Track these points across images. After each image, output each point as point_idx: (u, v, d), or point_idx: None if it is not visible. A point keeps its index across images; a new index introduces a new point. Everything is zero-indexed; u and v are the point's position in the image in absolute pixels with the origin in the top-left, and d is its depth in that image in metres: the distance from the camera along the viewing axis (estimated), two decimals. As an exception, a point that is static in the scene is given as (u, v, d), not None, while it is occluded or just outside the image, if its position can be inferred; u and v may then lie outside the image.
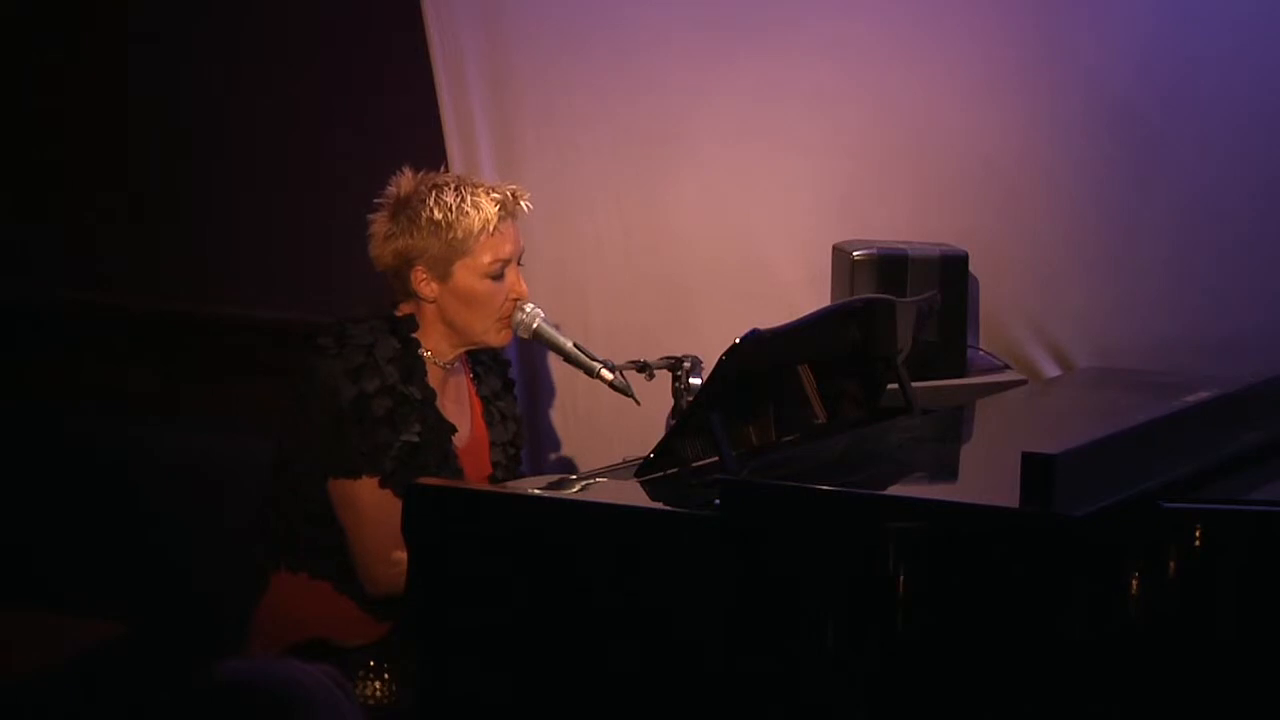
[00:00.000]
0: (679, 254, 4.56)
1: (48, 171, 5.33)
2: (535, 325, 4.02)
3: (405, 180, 3.99)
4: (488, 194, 3.94)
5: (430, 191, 3.93)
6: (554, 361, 4.17)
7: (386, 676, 3.90)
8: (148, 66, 5.18)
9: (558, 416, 4.68)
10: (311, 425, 3.87)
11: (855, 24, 4.40)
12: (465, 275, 3.93)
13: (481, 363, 4.12)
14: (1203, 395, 3.55)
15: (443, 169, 4.16)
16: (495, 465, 4.08)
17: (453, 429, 3.96)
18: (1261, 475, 3.38)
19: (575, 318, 4.51)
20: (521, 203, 3.98)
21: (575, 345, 4.01)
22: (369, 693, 3.89)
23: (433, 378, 3.97)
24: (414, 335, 3.95)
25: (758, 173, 4.49)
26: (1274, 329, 4.24)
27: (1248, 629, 3.07)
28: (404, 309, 3.99)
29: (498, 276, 3.94)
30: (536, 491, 3.56)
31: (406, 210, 3.94)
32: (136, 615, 4.54)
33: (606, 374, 3.96)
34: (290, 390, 3.96)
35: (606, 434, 4.49)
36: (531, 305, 4.04)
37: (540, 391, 4.68)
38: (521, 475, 4.22)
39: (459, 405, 4.04)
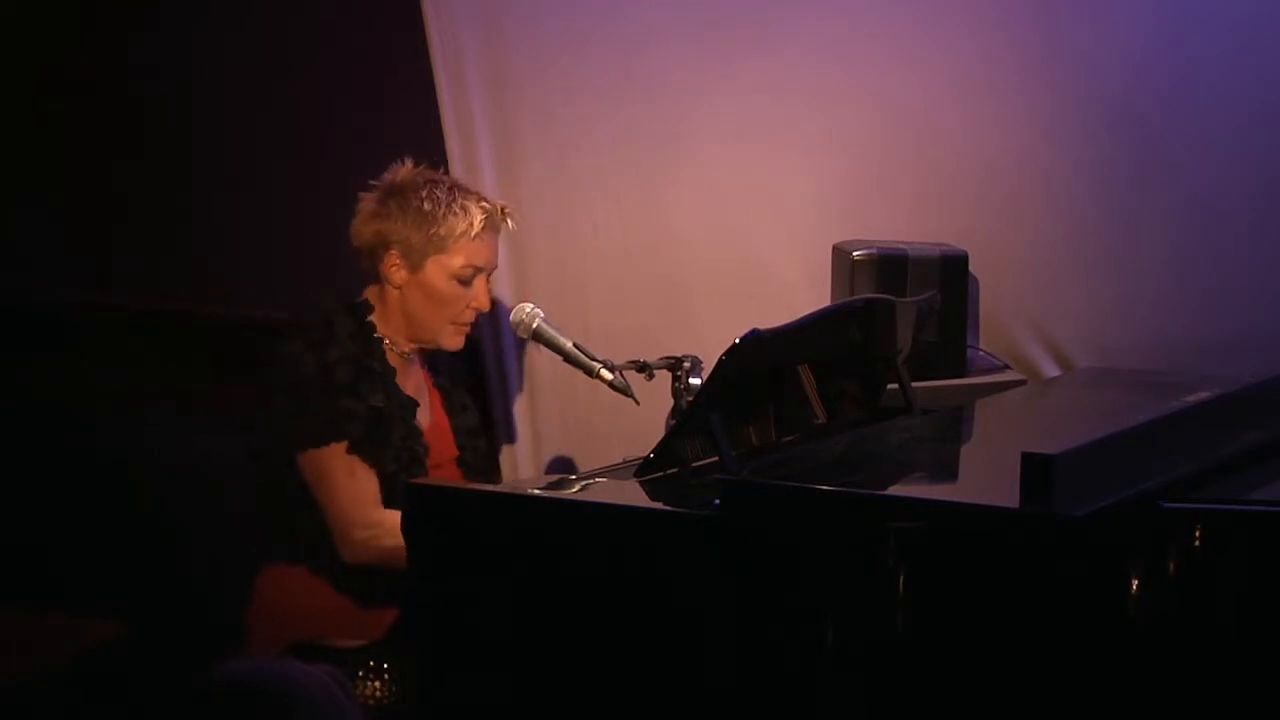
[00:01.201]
0: (678, 254, 4.56)
1: (48, 171, 5.33)
2: (535, 325, 4.04)
3: (403, 170, 4.07)
4: (478, 201, 4.03)
5: (425, 185, 4.02)
6: (554, 361, 4.17)
7: (386, 677, 3.90)
8: (148, 66, 5.18)
9: (558, 416, 4.68)
10: (278, 404, 3.94)
11: (855, 24, 4.40)
12: (436, 271, 4.00)
13: (435, 358, 4.17)
14: (1203, 395, 3.55)
15: (442, 170, 4.19)
16: (461, 449, 4.14)
17: (415, 403, 4.02)
18: (1261, 475, 3.38)
19: (575, 318, 4.51)
20: (508, 220, 4.06)
21: (575, 345, 4.02)
22: (369, 693, 3.89)
23: (390, 359, 4.03)
24: (370, 319, 4.02)
25: (758, 173, 4.49)
26: (1274, 329, 4.24)
27: (1248, 629, 3.07)
28: (366, 295, 4.05)
29: (466, 282, 4.01)
30: (536, 491, 3.56)
31: (397, 196, 4.01)
32: (136, 615, 4.53)
33: (606, 374, 3.97)
34: (257, 380, 4.02)
35: (606, 434, 4.49)
36: (531, 305, 4.07)
37: (540, 391, 4.68)
38: (495, 466, 4.24)
39: (418, 394, 4.09)
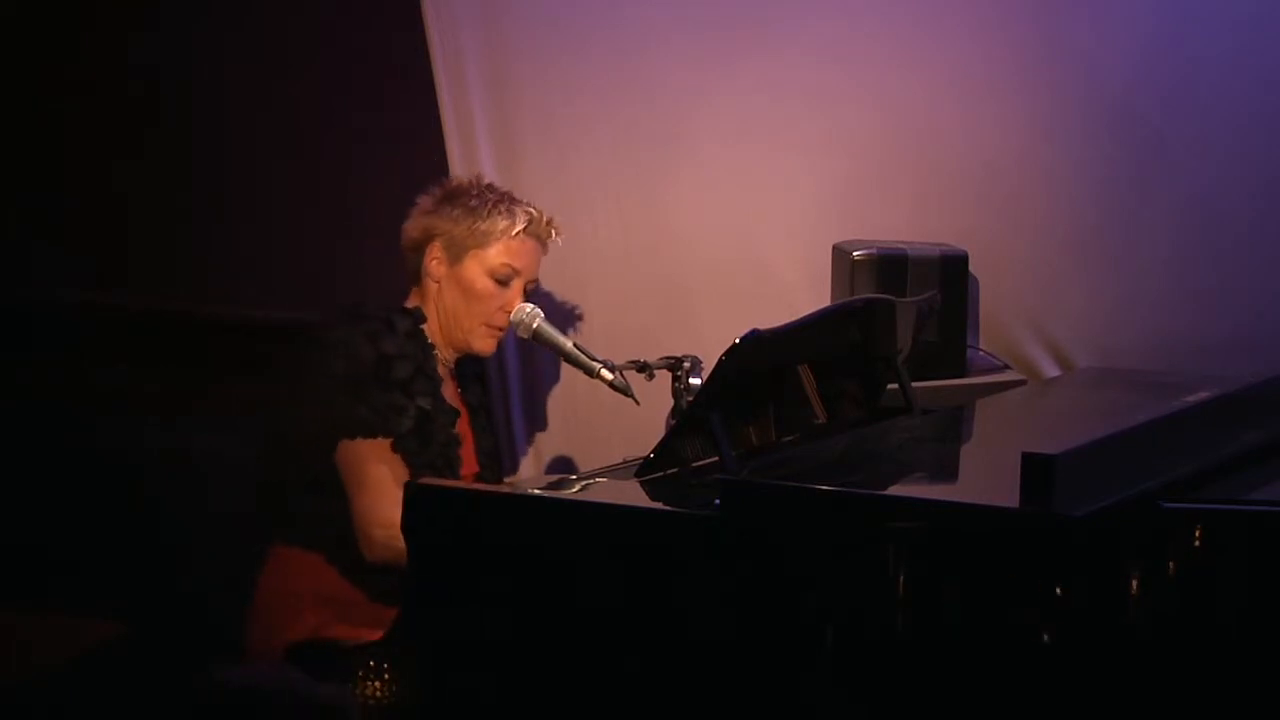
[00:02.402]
0: (679, 254, 4.56)
1: (48, 171, 5.33)
2: (535, 325, 4.05)
3: (467, 179, 4.18)
4: (525, 208, 4.11)
5: (479, 187, 4.12)
6: (554, 361, 4.18)
7: (386, 677, 3.90)
8: (148, 66, 5.18)
9: (558, 416, 4.68)
10: (325, 388, 3.96)
11: (856, 24, 4.40)
12: (473, 266, 4.05)
13: (465, 375, 4.22)
14: (1203, 395, 3.55)
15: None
16: (482, 466, 4.18)
17: (457, 412, 4.07)
18: (1261, 475, 3.38)
19: (575, 318, 4.51)
20: (552, 231, 4.13)
21: (575, 345, 4.03)
22: (369, 693, 3.88)
23: (438, 368, 4.08)
24: (423, 327, 4.07)
25: (758, 173, 4.49)
26: (1274, 329, 4.25)
27: (1248, 629, 3.07)
28: (411, 301, 4.09)
29: (502, 281, 4.06)
30: (536, 491, 3.57)
31: (453, 197, 4.10)
32: (136, 615, 4.54)
33: (606, 374, 3.98)
34: (300, 360, 4.04)
35: (606, 434, 4.49)
36: (531, 305, 4.07)
37: (540, 391, 4.68)
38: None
39: (453, 405, 4.11)
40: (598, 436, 4.56)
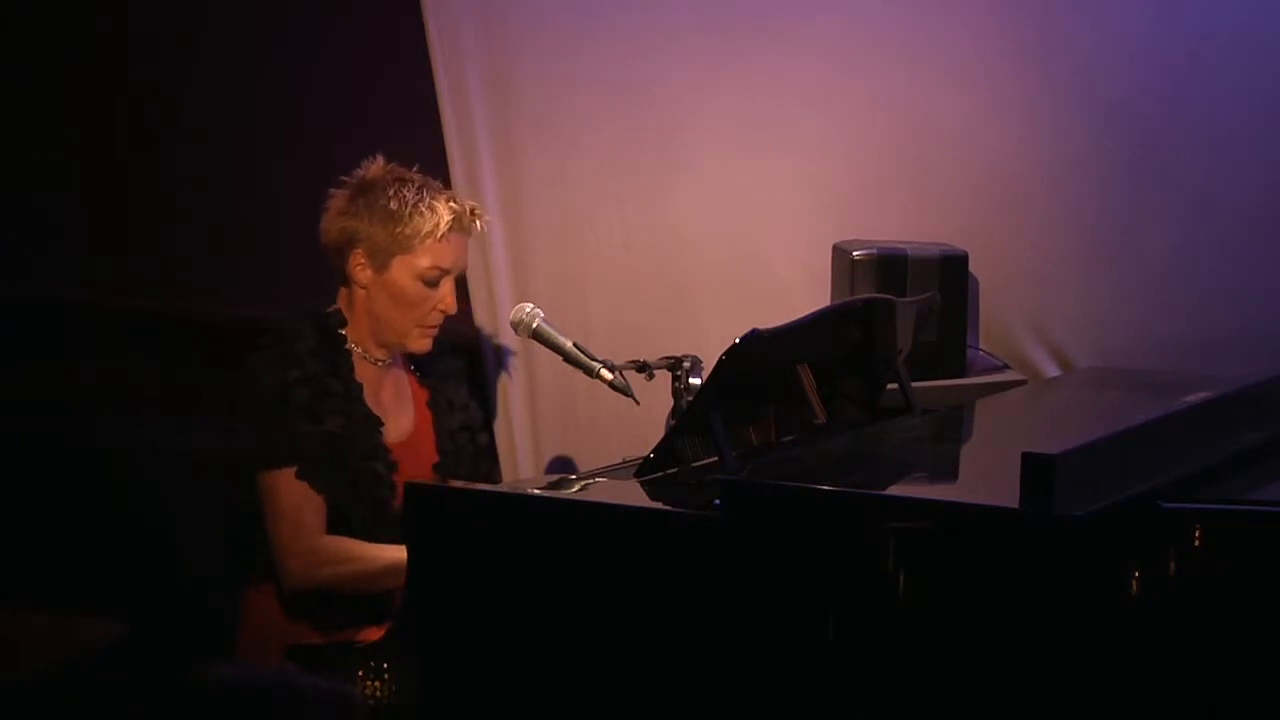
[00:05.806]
0: (679, 254, 4.56)
1: (48, 171, 5.33)
2: (535, 325, 4.04)
3: (375, 166, 4.02)
4: (446, 201, 3.96)
5: (393, 183, 3.96)
6: (554, 361, 4.17)
7: (386, 676, 3.89)
8: (148, 66, 5.18)
9: (558, 416, 4.67)
10: (236, 420, 3.92)
11: (855, 24, 4.40)
12: (401, 272, 3.93)
13: (423, 360, 4.09)
14: (1203, 395, 3.55)
15: (415, 168, 4.10)
16: (442, 454, 4.06)
17: (379, 421, 3.94)
18: (1261, 475, 3.38)
19: (575, 318, 4.50)
20: (477, 221, 4.00)
21: (575, 345, 4.02)
22: (369, 692, 3.88)
23: (362, 372, 3.96)
24: (341, 331, 3.97)
25: (758, 173, 4.49)
26: (1274, 329, 4.25)
27: (1247, 629, 3.07)
28: (338, 302, 3.99)
29: (431, 283, 3.94)
30: (536, 491, 3.57)
31: (366, 194, 3.96)
32: (136, 615, 4.54)
33: (606, 374, 3.97)
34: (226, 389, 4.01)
35: (606, 434, 4.49)
36: (531, 305, 4.06)
37: (540, 391, 4.68)
38: (487, 461, 4.20)
39: (398, 400, 4.03)
40: (598, 436, 4.56)
